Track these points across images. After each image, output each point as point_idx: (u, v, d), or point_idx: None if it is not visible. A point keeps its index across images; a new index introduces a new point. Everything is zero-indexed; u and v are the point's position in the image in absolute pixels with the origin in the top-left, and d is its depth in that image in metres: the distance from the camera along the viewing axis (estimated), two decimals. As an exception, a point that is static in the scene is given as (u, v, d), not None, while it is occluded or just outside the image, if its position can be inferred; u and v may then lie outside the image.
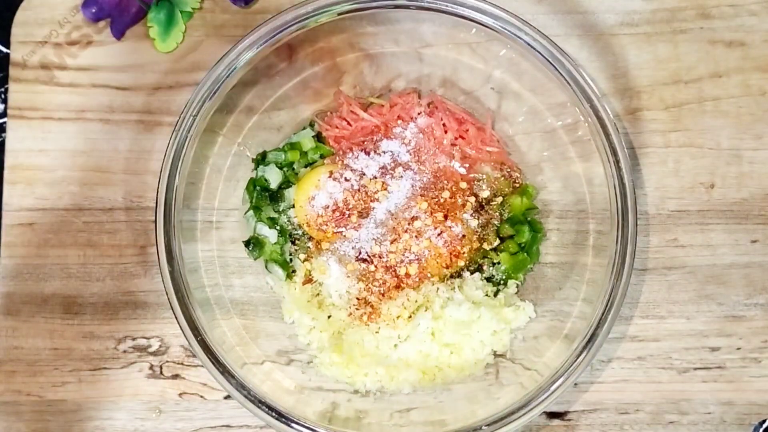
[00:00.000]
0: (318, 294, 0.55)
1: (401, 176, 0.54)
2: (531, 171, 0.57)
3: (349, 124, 0.56)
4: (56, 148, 0.57)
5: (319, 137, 0.57)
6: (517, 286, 0.55)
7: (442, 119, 0.56)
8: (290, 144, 0.56)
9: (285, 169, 0.55)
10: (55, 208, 0.57)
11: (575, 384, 0.47)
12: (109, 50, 0.58)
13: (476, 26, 0.50)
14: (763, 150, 0.57)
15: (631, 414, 0.55)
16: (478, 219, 0.54)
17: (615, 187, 0.49)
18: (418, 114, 0.56)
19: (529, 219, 0.55)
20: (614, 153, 0.49)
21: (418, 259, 0.53)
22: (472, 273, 0.55)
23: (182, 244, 0.49)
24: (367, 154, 0.55)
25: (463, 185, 0.55)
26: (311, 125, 0.57)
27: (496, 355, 0.54)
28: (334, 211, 0.54)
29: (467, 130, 0.56)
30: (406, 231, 0.53)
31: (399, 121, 0.56)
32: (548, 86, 0.51)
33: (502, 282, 0.55)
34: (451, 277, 0.54)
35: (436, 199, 0.54)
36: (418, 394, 0.54)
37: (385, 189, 0.54)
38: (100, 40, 0.58)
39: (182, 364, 0.55)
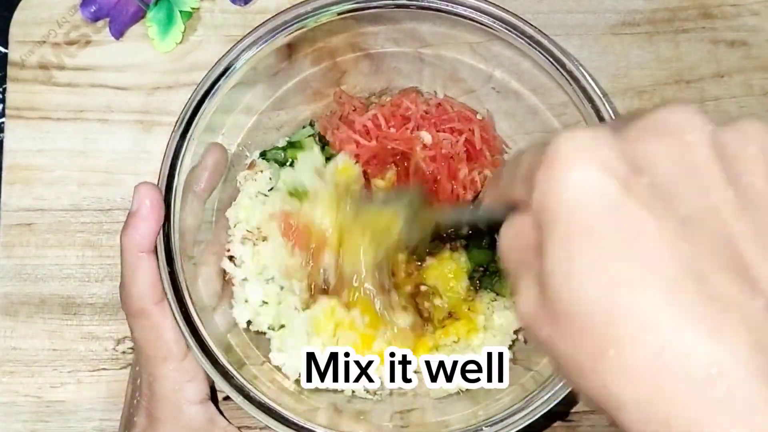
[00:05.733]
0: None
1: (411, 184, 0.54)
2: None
3: (366, 133, 0.56)
4: (54, 148, 0.57)
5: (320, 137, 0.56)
6: None
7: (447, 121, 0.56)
8: (290, 143, 0.56)
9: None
10: (54, 209, 0.57)
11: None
12: (107, 50, 0.58)
13: (477, 26, 0.50)
14: (765, 150, 0.57)
15: (633, 415, 0.55)
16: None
17: (616, 188, 0.49)
18: (425, 112, 0.56)
19: None
20: (616, 153, 0.49)
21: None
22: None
23: (184, 246, 0.49)
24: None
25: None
26: (311, 124, 0.56)
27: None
28: None
29: (471, 131, 0.56)
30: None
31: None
32: (549, 86, 0.51)
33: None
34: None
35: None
36: (419, 395, 0.54)
37: None
38: (99, 39, 0.58)
39: (181, 365, 0.55)
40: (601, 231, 0.27)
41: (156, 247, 0.48)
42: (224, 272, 0.53)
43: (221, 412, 0.51)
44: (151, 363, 0.48)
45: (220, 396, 0.54)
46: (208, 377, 0.50)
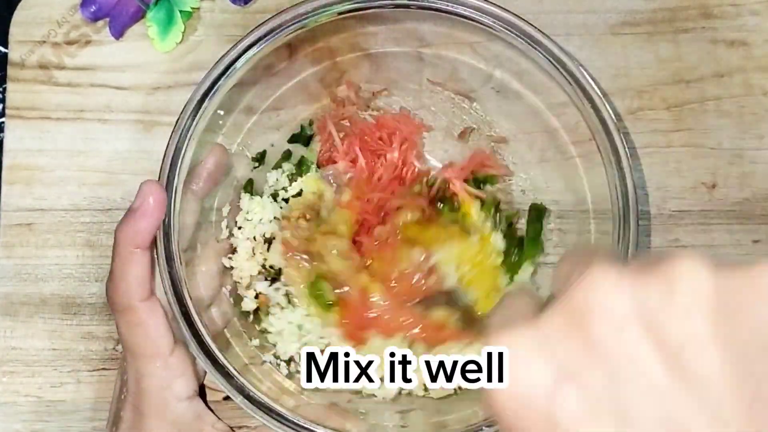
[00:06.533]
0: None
1: None
2: (532, 170, 0.56)
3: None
4: (54, 148, 0.57)
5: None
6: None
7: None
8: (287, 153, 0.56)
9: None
10: (54, 209, 0.57)
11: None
12: (107, 50, 0.58)
13: (477, 26, 0.50)
14: (765, 150, 0.57)
15: (633, 415, 0.55)
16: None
17: (616, 188, 0.49)
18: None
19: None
20: (615, 153, 0.49)
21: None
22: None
23: (181, 245, 0.49)
24: None
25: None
26: (310, 123, 0.57)
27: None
28: None
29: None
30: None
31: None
32: (549, 86, 0.51)
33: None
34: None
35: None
36: (419, 395, 0.54)
37: None
38: (99, 39, 0.58)
39: (181, 365, 0.55)
40: None
41: (150, 246, 0.48)
42: (223, 269, 0.53)
43: (210, 409, 0.51)
44: (137, 360, 0.48)
45: (219, 396, 0.54)
46: (196, 373, 0.50)
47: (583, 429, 0.26)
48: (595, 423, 0.26)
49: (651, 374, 0.26)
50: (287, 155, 0.56)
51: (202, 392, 0.52)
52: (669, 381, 0.26)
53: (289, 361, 0.53)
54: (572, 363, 0.27)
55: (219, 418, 0.51)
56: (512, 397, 0.28)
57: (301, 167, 0.55)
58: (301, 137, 0.56)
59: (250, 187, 0.55)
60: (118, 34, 0.58)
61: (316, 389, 0.53)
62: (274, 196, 0.55)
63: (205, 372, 0.51)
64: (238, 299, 0.54)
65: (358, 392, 0.53)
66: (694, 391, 0.25)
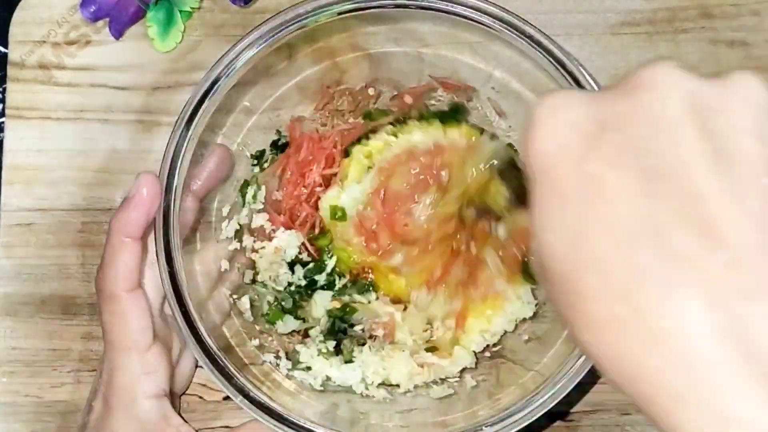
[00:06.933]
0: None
1: None
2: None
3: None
4: (55, 148, 0.57)
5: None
6: None
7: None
8: None
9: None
10: (54, 209, 0.57)
11: (577, 385, 0.47)
12: (107, 50, 0.58)
13: (477, 26, 0.50)
14: (765, 150, 0.57)
15: (633, 414, 0.55)
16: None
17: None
18: None
19: None
20: (616, 153, 0.49)
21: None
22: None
23: (180, 245, 0.49)
24: None
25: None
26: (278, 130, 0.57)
27: (492, 354, 0.54)
28: None
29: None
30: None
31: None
32: (550, 86, 0.51)
33: None
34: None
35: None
36: (419, 395, 0.54)
37: None
38: (99, 39, 0.58)
39: (181, 365, 0.55)
40: (566, 188, 0.28)
41: (141, 237, 0.48)
42: (220, 268, 0.53)
43: (181, 416, 0.50)
44: (114, 350, 0.48)
45: (219, 396, 0.55)
46: (169, 374, 0.49)
47: (609, 174, 0.27)
48: (622, 173, 0.27)
49: (686, 146, 0.27)
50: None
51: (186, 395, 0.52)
52: (700, 156, 0.27)
53: (291, 369, 0.53)
54: (617, 120, 0.28)
55: (185, 421, 0.50)
56: (554, 135, 0.28)
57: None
58: (278, 145, 0.56)
59: (245, 188, 0.55)
60: (118, 34, 0.58)
61: (316, 389, 0.53)
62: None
63: (192, 377, 0.52)
64: (242, 292, 0.54)
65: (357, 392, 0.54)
66: (723, 167, 0.27)
